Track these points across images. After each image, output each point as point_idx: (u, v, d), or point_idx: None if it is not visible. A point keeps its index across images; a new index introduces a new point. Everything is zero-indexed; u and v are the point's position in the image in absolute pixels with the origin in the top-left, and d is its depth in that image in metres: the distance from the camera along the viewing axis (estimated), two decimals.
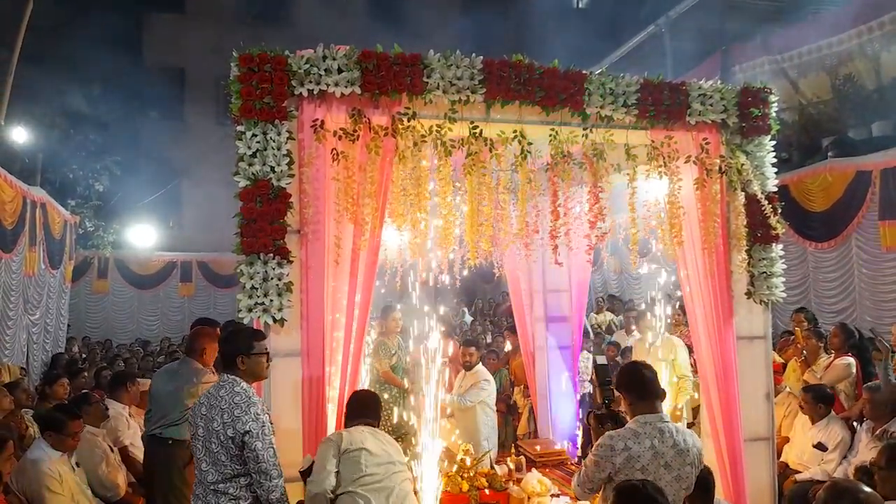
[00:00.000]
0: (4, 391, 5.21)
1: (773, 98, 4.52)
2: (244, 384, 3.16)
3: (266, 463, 3.01)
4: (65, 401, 6.06)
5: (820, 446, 5.02)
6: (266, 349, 3.28)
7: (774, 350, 6.25)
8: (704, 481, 3.26)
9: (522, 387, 7.42)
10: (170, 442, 4.52)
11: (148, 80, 16.19)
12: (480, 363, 6.36)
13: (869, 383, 5.06)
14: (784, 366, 6.39)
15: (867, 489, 2.55)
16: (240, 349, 3.20)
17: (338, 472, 3.27)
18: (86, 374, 8.15)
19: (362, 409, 3.59)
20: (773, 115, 4.52)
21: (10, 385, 5.71)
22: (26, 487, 4.10)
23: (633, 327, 7.96)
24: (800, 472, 5.15)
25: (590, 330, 9.33)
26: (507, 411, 7.59)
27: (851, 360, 5.63)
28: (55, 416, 4.41)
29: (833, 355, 5.80)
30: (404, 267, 5.58)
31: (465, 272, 5.05)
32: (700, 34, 12.60)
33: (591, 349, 7.89)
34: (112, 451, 5.07)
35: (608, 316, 11.12)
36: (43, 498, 4.07)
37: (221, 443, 3.02)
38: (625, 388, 3.20)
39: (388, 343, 6.41)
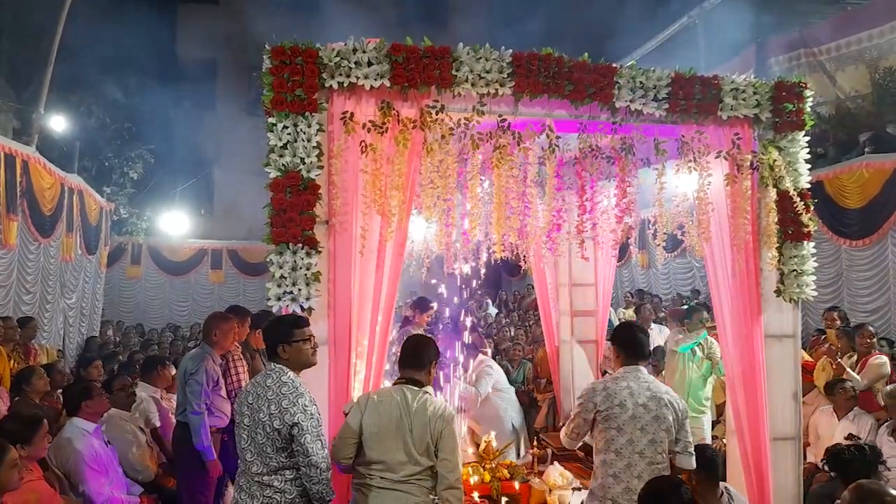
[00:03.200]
0: (41, 372, 5.38)
1: (808, 92, 4.44)
2: (291, 374, 3.09)
3: (315, 456, 2.94)
4: (99, 383, 6.26)
5: (851, 438, 4.94)
6: (308, 336, 3.19)
7: (805, 349, 6.18)
8: (710, 461, 3.29)
9: (544, 381, 7.43)
10: (181, 425, 4.62)
11: (181, 71, 16.46)
12: (487, 353, 6.52)
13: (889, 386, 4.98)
14: (814, 365, 6.30)
15: (894, 491, 2.51)
16: (279, 338, 3.16)
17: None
18: (120, 357, 8.37)
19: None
20: (809, 109, 4.44)
21: (46, 366, 5.90)
22: (63, 464, 4.24)
23: (652, 322, 7.98)
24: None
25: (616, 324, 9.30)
26: (529, 404, 7.61)
27: (885, 358, 5.55)
28: (80, 388, 4.56)
29: (864, 356, 5.70)
30: (430, 259, 5.62)
31: (491, 264, 5.07)
32: (735, 26, 12.36)
33: None
34: (144, 432, 5.22)
35: None
36: (81, 474, 4.21)
37: (268, 434, 2.97)
38: (619, 343, 3.58)
39: (412, 332, 6.54)
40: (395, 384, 3.34)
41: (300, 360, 3.16)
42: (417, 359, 3.31)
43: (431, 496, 3.16)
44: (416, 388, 3.23)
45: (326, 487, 3.00)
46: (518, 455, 6.01)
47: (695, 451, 3.50)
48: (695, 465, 3.44)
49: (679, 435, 3.41)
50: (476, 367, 6.30)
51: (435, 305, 6.77)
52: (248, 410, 3.08)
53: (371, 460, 3.15)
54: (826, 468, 3.46)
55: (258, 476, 3.00)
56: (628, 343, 3.54)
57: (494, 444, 4.98)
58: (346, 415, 3.28)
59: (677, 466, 3.43)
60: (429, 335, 3.95)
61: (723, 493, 3.56)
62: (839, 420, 5.13)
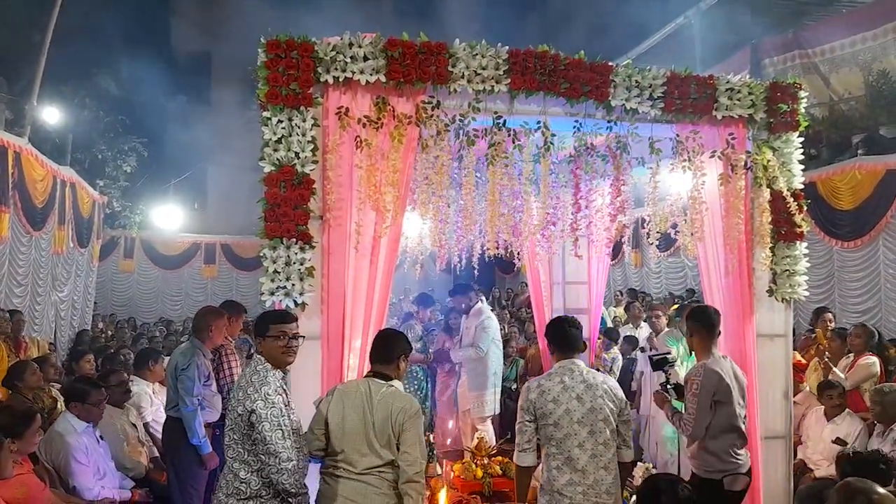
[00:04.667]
0: (34, 367, 5.35)
1: (802, 94, 4.47)
2: (267, 365, 3.10)
3: (274, 445, 2.93)
4: (90, 376, 6.23)
5: (839, 441, 4.98)
6: (279, 332, 3.15)
7: (796, 349, 6.21)
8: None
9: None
10: (172, 420, 4.59)
11: (176, 63, 16.38)
12: (480, 302, 6.51)
13: (878, 385, 5.00)
14: (806, 365, 6.33)
15: (881, 490, 2.50)
16: (256, 330, 3.21)
17: None
18: (111, 351, 8.33)
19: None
20: (803, 111, 4.46)
21: (38, 359, 5.86)
22: (54, 458, 4.22)
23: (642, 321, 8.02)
24: (815, 469, 5.10)
25: (609, 322, 9.33)
26: (512, 397, 7.64)
27: (875, 359, 5.58)
28: (78, 387, 4.52)
29: (854, 356, 5.73)
30: (423, 255, 5.64)
31: (485, 261, 5.08)
32: (730, 27, 12.40)
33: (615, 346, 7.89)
34: (136, 427, 5.20)
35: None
36: (70, 468, 4.20)
37: (235, 421, 3.02)
38: (550, 338, 3.57)
39: (417, 328, 6.74)
40: (364, 377, 3.35)
41: (271, 355, 3.14)
42: (386, 352, 3.30)
43: (394, 491, 3.14)
44: (381, 381, 3.23)
45: (290, 478, 2.97)
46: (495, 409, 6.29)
47: None
48: (633, 458, 3.54)
49: (619, 427, 3.40)
50: (474, 318, 6.32)
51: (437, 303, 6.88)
52: (234, 400, 3.11)
53: (334, 450, 3.16)
54: (838, 474, 3.52)
55: (231, 462, 3.06)
56: (559, 337, 3.52)
57: (487, 439, 5.00)
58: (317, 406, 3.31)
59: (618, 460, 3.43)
60: (398, 330, 3.94)
61: None
62: (827, 422, 5.15)
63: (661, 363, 4.29)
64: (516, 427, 3.45)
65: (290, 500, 3.02)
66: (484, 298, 6.78)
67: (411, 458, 3.10)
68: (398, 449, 3.12)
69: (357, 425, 3.13)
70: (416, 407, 3.21)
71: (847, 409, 5.12)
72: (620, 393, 3.48)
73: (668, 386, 4.09)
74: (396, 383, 3.28)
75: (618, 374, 7.22)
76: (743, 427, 3.82)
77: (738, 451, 3.77)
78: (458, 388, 6.57)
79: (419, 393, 6.61)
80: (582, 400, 3.33)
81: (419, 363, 6.65)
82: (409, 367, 6.53)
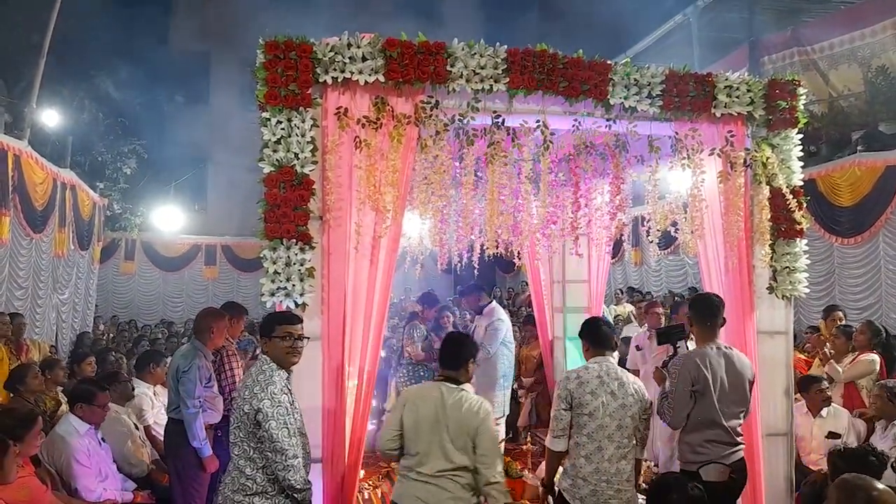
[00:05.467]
0: (35, 370, 5.35)
1: (801, 90, 4.46)
2: (272, 365, 3.14)
3: (280, 442, 2.96)
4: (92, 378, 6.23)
5: (832, 435, 4.96)
6: (286, 333, 3.18)
7: (797, 347, 6.20)
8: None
9: (531, 379, 7.39)
10: (173, 422, 4.59)
11: (175, 65, 16.37)
12: (494, 302, 6.59)
13: (882, 381, 4.99)
14: (811, 363, 6.33)
15: (880, 485, 2.50)
16: (262, 330, 3.24)
17: None
18: (114, 353, 8.34)
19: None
20: (801, 107, 4.46)
21: (47, 363, 5.85)
22: (56, 460, 4.23)
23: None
24: (814, 468, 5.08)
25: (610, 321, 9.32)
26: (513, 397, 7.63)
27: (875, 356, 5.57)
28: (84, 388, 4.54)
29: (857, 353, 5.73)
30: (424, 255, 5.65)
31: (485, 261, 5.08)
32: (728, 24, 12.40)
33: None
34: (137, 429, 5.21)
35: (628, 307, 11.08)
36: (72, 470, 4.20)
37: (240, 419, 3.05)
38: (586, 336, 3.79)
39: (422, 328, 6.79)
40: (434, 381, 3.50)
41: (276, 355, 3.18)
42: (455, 357, 3.46)
43: (471, 494, 3.25)
44: (453, 386, 3.37)
45: (295, 475, 3.01)
46: (504, 411, 6.26)
47: None
48: (644, 456, 3.72)
49: (640, 424, 3.60)
50: (486, 318, 6.32)
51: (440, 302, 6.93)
52: (239, 398, 3.15)
53: (409, 453, 3.32)
54: (829, 471, 3.47)
55: (236, 459, 3.08)
56: (595, 335, 3.75)
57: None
58: (389, 412, 3.41)
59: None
60: (465, 334, 4.14)
61: None
62: (814, 417, 5.13)
63: (666, 336, 4.22)
64: (552, 414, 3.65)
65: (295, 496, 3.06)
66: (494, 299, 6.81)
67: (489, 460, 3.23)
68: (475, 452, 3.23)
69: (430, 429, 3.27)
70: (487, 408, 3.34)
71: (833, 404, 5.11)
72: (647, 395, 3.67)
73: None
74: (467, 386, 3.42)
75: None
76: (728, 423, 3.69)
77: (716, 446, 3.69)
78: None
79: None
80: (615, 395, 3.55)
81: (424, 362, 6.68)
82: (415, 365, 6.57)
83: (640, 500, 5.36)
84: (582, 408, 3.52)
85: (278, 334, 3.19)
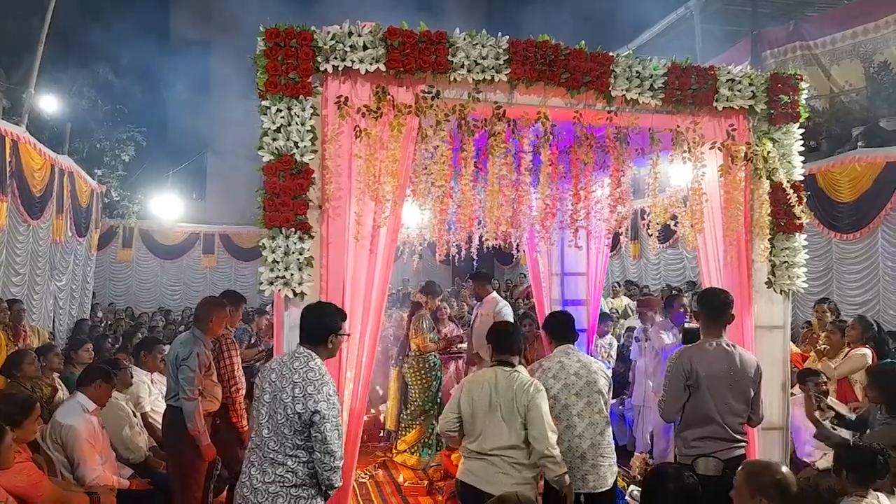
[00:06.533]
0: (32, 356, 5.35)
1: (803, 85, 4.45)
2: (319, 360, 3.12)
3: (332, 444, 2.97)
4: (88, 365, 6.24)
5: (837, 417, 4.96)
6: (344, 331, 3.31)
7: (794, 341, 6.21)
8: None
9: None
10: (172, 409, 4.59)
11: (175, 52, 16.29)
12: (494, 292, 6.77)
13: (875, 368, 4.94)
14: (806, 357, 6.34)
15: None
16: (333, 328, 3.19)
17: None
18: (110, 340, 8.34)
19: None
20: (803, 102, 4.45)
21: (42, 349, 5.85)
22: (63, 435, 4.29)
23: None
24: (808, 460, 5.10)
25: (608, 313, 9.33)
26: None
27: (867, 351, 5.58)
28: (104, 368, 4.70)
29: (850, 347, 5.75)
30: (422, 246, 5.63)
31: (484, 252, 5.08)
32: (730, 18, 12.35)
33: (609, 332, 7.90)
34: (135, 415, 5.22)
35: (625, 300, 11.09)
36: (78, 446, 4.27)
37: (288, 416, 2.98)
38: (548, 329, 4.17)
39: (429, 318, 6.84)
40: (490, 366, 3.70)
41: (330, 352, 3.25)
42: (508, 344, 3.68)
43: (519, 470, 3.44)
44: (507, 369, 3.59)
45: (336, 475, 3.03)
46: None
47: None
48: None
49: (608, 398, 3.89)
50: (488, 304, 6.49)
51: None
52: (269, 387, 3.09)
53: (468, 434, 3.57)
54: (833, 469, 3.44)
55: (273, 453, 3.02)
56: (556, 328, 4.10)
57: None
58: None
59: None
60: (513, 322, 4.50)
61: None
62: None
63: (690, 336, 4.29)
64: None
65: (329, 492, 3.12)
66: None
67: (539, 433, 3.40)
68: (525, 428, 3.43)
69: (485, 410, 3.50)
70: (538, 386, 3.53)
71: (830, 397, 5.11)
72: (609, 374, 4.01)
73: None
74: (521, 368, 3.65)
75: (615, 357, 7.24)
76: (725, 420, 3.65)
77: (711, 442, 3.66)
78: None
79: (435, 382, 6.66)
80: (579, 375, 3.84)
81: (432, 352, 6.72)
82: (426, 355, 6.59)
83: (634, 490, 5.39)
84: (546, 391, 3.63)
85: (344, 331, 3.27)
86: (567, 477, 3.42)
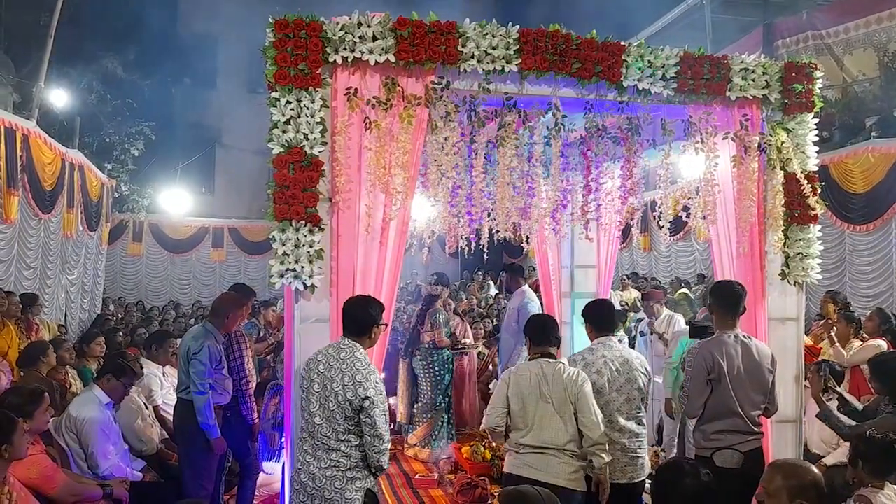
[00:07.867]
0: (50, 348, 5.39)
1: (818, 74, 4.39)
2: (363, 351, 3.24)
3: (381, 428, 3.12)
4: (101, 358, 6.27)
5: (845, 405, 4.91)
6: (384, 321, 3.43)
7: (807, 333, 6.16)
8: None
9: None
10: (183, 402, 4.60)
11: (183, 46, 16.28)
12: (525, 285, 6.77)
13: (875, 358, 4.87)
14: (819, 349, 6.29)
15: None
16: (376, 319, 3.32)
17: None
18: (121, 333, 8.38)
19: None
20: (818, 91, 4.39)
21: (53, 342, 5.89)
22: (77, 426, 4.32)
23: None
24: (820, 452, 5.04)
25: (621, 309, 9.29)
26: None
27: (883, 343, 5.54)
28: (121, 364, 4.69)
29: (866, 338, 5.70)
30: (432, 238, 5.61)
31: (493, 245, 5.05)
32: (741, 8, 12.22)
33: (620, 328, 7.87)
34: (147, 408, 5.24)
35: (633, 293, 11.04)
36: (93, 436, 4.30)
37: (339, 403, 3.11)
38: (590, 318, 4.00)
39: (444, 313, 6.86)
40: (531, 359, 3.70)
41: (373, 341, 3.36)
42: (546, 336, 3.72)
43: (578, 459, 3.49)
44: (551, 361, 3.62)
45: (384, 457, 3.17)
46: None
47: None
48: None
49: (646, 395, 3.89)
50: (517, 298, 6.49)
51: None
52: (318, 378, 3.19)
53: (517, 428, 3.57)
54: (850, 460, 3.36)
55: (326, 439, 3.14)
56: (598, 318, 3.97)
57: None
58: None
59: None
60: (550, 315, 4.45)
61: None
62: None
63: (698, 332, 4.30)
64: None
65: (377, 473, 3.25)
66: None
67: (589, 421, 3.46)
68: (576, 418, 3.47)
69: (535, 403, 3.51)
70: (585, 377, 3.57)
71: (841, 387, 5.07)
72: (650, 371, 3.97)
73: None
74: (564, 359, 3.72)
75: None
76: (745, 412, 3.70)
77: (731, 435, 3.69)
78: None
79: (447, 376, 6.68)
80: (620, 371, 3.79)
81: (446, 346, 6.73)
82: (440, 349, 6.59)
83: (647, 484, 5.36)
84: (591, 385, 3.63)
85: (384, 322, 3.38)
86: (608, 467, 3.49)
